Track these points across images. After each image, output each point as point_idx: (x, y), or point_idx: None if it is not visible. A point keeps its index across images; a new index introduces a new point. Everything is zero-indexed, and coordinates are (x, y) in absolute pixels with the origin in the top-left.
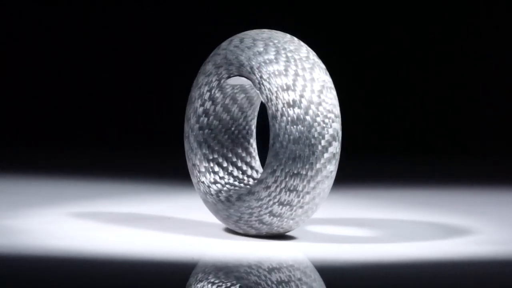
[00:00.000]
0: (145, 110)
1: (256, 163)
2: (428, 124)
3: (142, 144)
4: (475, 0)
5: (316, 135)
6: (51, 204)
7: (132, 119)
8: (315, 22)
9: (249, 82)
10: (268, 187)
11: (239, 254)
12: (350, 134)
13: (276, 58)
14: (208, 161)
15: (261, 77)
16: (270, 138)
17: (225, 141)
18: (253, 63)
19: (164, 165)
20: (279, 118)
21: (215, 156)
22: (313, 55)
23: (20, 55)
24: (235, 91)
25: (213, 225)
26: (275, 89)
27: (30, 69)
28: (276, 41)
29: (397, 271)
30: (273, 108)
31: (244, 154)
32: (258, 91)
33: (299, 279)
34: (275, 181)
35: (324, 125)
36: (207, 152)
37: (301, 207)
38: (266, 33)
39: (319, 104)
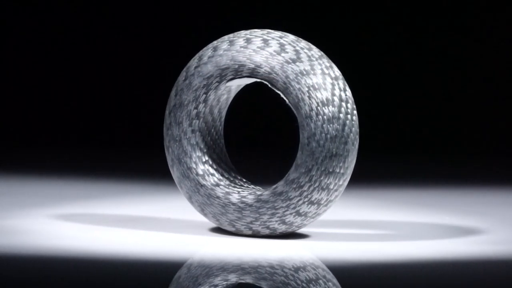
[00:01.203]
0: (144, 110)
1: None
2: (429, 124)
3: (142, 144)
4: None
5: (348, 132)
6: (50, 205)
7: (132, 119)
8: (298, 19)
9: (242, 83)
10: (300, 187)
11: (254, 254)
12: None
13: (298, 58)
14: (203, 163)
15: (286, 77)
16: (301, 137)
17: (209, 142)
18: (274, 63)
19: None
20: (314, 117)
21: (207, 158)
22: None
23: (20, 55)
24: (223, 92)
25: (206, 224)
26: (306, 89)
27: (30, 69)
28: (288, 40)
29: (399, 270)
30: (306, 107)
31: (223, 156)
32: (278, 91)
33: (324, 277)
34: (309, 180)
35: (353, 122)
36: (200, 155)
37: (326, 205)
38: (273, 32)
39: (347, 101)
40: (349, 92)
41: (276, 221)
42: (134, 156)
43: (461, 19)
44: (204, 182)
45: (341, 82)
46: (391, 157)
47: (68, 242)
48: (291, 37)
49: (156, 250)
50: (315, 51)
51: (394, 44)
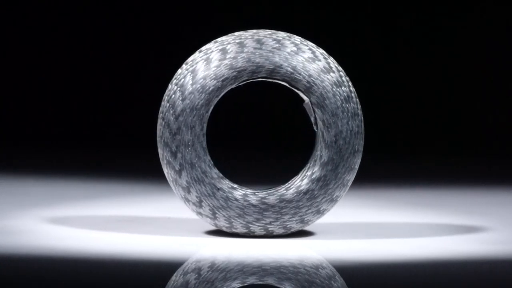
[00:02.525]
0: (145, 111)
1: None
2: (430, 124)
3: (143, 144)
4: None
5: (363, 127)
6: (47, 205)
7: (132, 119)
8: (290, 18)
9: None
10: (326, 184)
11: (271, 254)
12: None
13: (316, 56)
14: (214, 167)
15: (309, 76)
16: (328, 135)
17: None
18: (295, 63)
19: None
20: (340, 115)
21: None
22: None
23: (19, 55)
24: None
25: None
26: (330, 87)
27: (29, 69)
28: (298, 40)
29: (399, 270)
30: (332, 105)
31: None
32: (298, 91)
33: (342, 274)
34: (335, 178)
35: (363, 117)
36: (210, 158)
37: (337, 201)
38: (280, 33)
39: (356, 97)
40: (352, 87)
41: (296, 220)
42: (131, 156)
43: (464, 16)
44: (221, 185)
45: (347, 78)
46: (391, 158)
47: (66, 243)
48: (296, 37)
49: (155, 251)
50: (322, 49)
51: (395, 42)
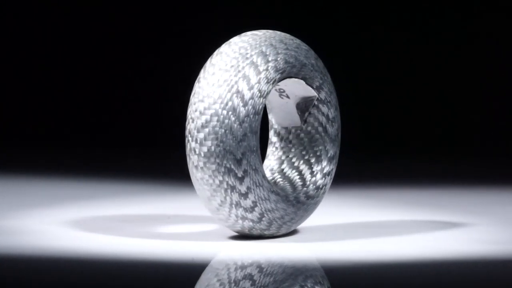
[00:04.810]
0: (147, 110)
1: None
2: (427, 124)
3: (144, 144)
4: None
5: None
6: (51, 205)
7: (134, 119)
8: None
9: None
10: (332, 178)
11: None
12: (349, 133)
13: (316, 59)
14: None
15: (323, 74)
16: (330, 130)
17: None
18: (313, 61)
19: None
20: (339, 109)
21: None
22: None
23: (19, 54)
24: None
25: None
26: (332, 83)
27: (29, 69)
28: (299, 41)
29: (398, 270)
30: (336, 101)
31: None
32: (312, 88)
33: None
34: (335, 170)
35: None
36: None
37: None
38: (278, 32)
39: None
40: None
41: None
42: (134, 156)
43: (456, 16)
44: (276, 188)
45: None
46: (389, 157)
47: (67, 243)
48: (287, 35)
49: (178, 255)
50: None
51: (393, 42)
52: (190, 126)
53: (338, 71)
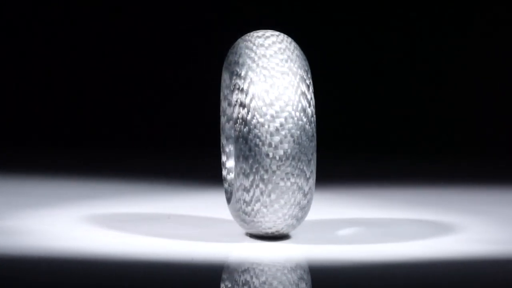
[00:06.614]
0: (152, 110)
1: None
2: (424, 123)
3: (145, 144)
4: None
5: None
6: (52, 205)
7: (135, 119)
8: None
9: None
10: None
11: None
12: (348, 133)
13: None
14: None
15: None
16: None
17: None
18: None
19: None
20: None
21: None
22: None
23: (19, 54)
24: None
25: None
26: None
27: (29, 69)
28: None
29: (392, 270)
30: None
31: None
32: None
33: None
34: None
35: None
36: None
37: None
38: (279, 33)
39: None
40: None
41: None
42: (134, 156)
43: (447, 13)
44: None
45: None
46: (387, 157)
47: (66, 243)
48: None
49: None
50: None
51: (388, 41)
52: (261, 130)
53: (338, 71)
